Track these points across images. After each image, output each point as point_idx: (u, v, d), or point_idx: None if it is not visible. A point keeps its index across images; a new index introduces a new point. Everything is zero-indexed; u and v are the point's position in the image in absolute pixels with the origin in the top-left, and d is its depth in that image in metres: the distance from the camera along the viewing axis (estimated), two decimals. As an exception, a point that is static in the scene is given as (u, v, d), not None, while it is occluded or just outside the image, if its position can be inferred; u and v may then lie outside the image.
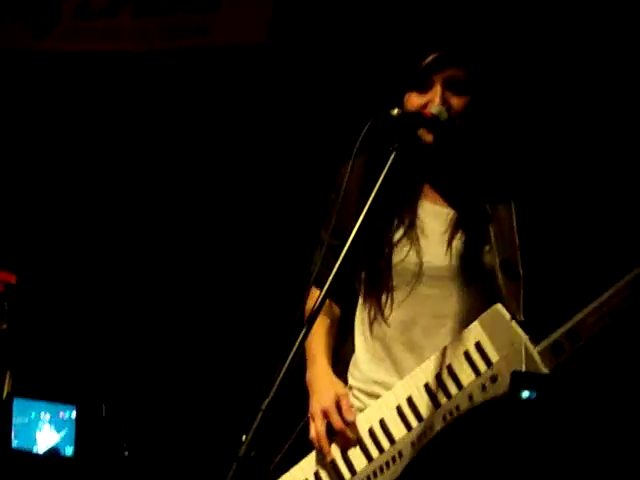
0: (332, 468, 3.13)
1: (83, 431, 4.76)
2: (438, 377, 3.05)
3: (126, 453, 4.64)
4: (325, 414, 3.16)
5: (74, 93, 7.18)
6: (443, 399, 3.03)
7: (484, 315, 3.05)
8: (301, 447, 3.24)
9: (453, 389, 3.02)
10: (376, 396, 3.21)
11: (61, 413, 4.77)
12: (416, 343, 3.22)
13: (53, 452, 4.78)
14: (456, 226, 3.21)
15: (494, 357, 2.98)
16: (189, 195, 6.69)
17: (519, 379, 2.92)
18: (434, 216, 3.25)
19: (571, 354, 2.90)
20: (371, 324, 3.30)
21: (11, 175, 7.18)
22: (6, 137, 7.24)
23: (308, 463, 3.19)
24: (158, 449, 5.24)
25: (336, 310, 3.47)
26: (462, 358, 3.03)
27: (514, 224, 3.15)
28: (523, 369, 2.92)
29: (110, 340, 6.56)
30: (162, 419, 5.76)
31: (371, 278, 3.29)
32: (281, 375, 2.76)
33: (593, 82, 5.48)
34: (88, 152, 7.07)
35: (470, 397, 2.99)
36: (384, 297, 3.25)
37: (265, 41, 6.54)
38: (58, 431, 4.79)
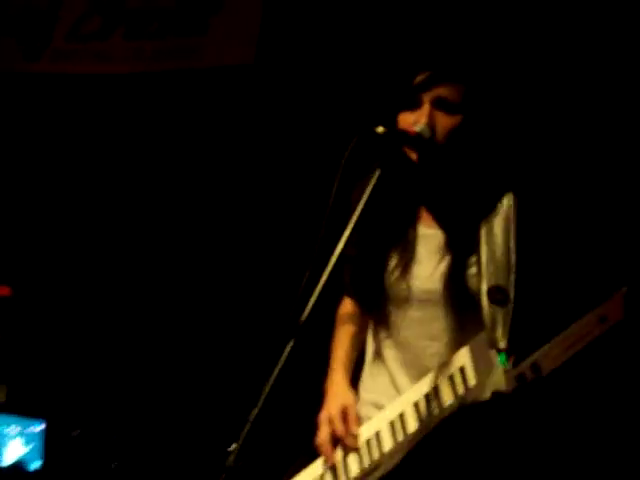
0: (333, 472, 3.18)
1: (52, 446, 4.77)
2: (427, 397, 3.10)
3: (114, 465, 4.65)
4: (330, 422, 3.22)
5: (64, 115, 7.23)
6: (427, 418, 3.06)
7: (473, 340, 3.09)
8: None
9: (436, 410, 3.06)
10: (380, 407, 3.27)
11: (31, 427, 4.78)
12: (410, 362, 3.30)
13: (18, 466, 4.78)
14: (446, 250, 3.24)
15: (472, 382, 3.02)
16: (180, 214, 6.75)
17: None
18: (426, 240, 3.29)
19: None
20: (373, 342, 3.41)
21: (6, 191, 7.20)
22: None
23: (315, 467, 3.24)
24: (146, 460, 5.26)
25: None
26: (447, 381, 3.07)
27: (511, 246, 3.16)
28: (487, 396, 2.96)
29: (94, 354, 6.61)
30: (150, 430, 5.78)
31: (367, 303, 3.37)
32: (268, 386, 2.81)
33: (585, 95, 5.55)
34: (79, 170, 7.11)
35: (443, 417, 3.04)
36: (379, 321, 3.36)
37: (253, 62, 6.62)
38: (26, 445, 4.79)
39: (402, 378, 3.30)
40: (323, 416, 3.26)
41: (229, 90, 6.71)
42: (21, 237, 7.06)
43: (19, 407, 5.08)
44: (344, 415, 3.22)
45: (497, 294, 3.06)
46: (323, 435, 3.22)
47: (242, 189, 6.53)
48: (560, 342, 2.89)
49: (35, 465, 4.77)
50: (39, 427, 4.77)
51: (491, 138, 3.29)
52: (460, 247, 3.20)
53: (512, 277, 3.11)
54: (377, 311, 3.34)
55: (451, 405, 3.03)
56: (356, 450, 3.16)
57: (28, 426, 4.77)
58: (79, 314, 6.80)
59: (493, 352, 3.00)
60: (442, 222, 3.28)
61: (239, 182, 6.54)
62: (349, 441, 3.17)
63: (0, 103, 7.27)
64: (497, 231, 3.18)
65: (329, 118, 5.85)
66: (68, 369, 6.51)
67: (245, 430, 2.78)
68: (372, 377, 3.40)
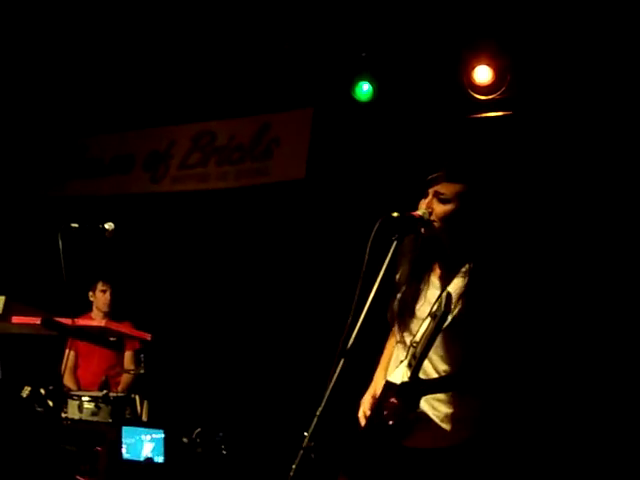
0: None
1: (169, 447, 4.76)
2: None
3: (224, 452, 4.66)
4: (362, 404, 3.25)
5: (179, 220, 7.35)
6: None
7: None
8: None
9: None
10: None
11: (154, 435, 4.79)
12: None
13: (149, 460, 4.77)
14: (437, 292, 3.20)
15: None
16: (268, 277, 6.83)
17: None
18: (432, 285, 3.25)
19: None
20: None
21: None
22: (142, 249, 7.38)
23: None
24: (243, 449, 5.23)
25: None
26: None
27: (462, 291, 3.10)
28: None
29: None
30: (244, 429, 5.78)
31: (397, 321, 3.31)
32: (329, 390, 2.86)
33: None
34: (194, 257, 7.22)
35: None
36: (399, 332, 3.29)
37: (304, 176, 6.73)
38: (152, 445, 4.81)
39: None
40: (361, 401, 3.28)
41: (289, 195, 6.82)
42: (158, 303, 7.12)
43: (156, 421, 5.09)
44: (373, 399, 3.22)
45: (435, 316, 2.98)
46: (360, 412, 3.24)
47: (314, 253, 6.61)
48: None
49: (159, 459, 4.76)
50: (160, 435, 4.77)
51: (470, 221, 3.22)
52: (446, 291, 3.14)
53: (453, 309, 3.03)
54: (403, 324, 3.28)
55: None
56: None
57: (153, 434, 4.78)
58: (193, 354, 6.86)
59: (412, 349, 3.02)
60: (442, 276, 3.24)
61: (317, 247, 6.61)
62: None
63: (135, 214, 7.31)
64: (458, 281, 3.15)
65: (359, 209, 5.86)
66: (186, 391, 6.58)
67: (314, 422, 2.85)
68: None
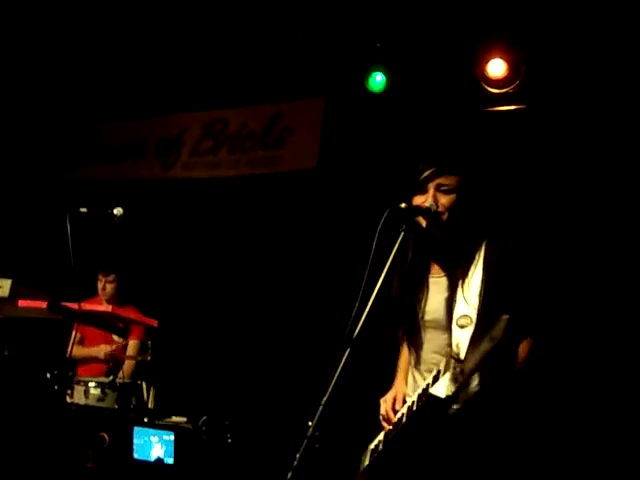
0: (386, 434, 3.29)
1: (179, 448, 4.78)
2: (421, 394, 3.20)
3: (229, 440, 4.69)
4: (384, 402, 3.36)
5: (189, 207, 7.38)
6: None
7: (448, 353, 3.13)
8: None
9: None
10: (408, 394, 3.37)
11: (164, 436, 4.80)
12: (422, 368, 3.34)
13: (159, 461, 4.79)
14: (446, 291, 3.26)
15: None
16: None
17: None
18: (435, 284, 3.31)
19: None
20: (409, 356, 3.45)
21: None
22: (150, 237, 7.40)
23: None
24: (249, 436, 5.27)
25: None
26: (432, 381, 3.14)
27: (480, 281, 3.17)
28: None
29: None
30: (249, 418, 5.83)
31: (407, 330, 3.40)
32: (334, 379, 2.89)
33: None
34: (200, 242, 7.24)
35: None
36: (409, 341, 3.40)
37: (315, 166, 6.74)
38: (162, 447, 4.82)
39: (417, 377, 3.36)
40: (382, 399, 3.38)
41: (299, 184, 6.85)
42: (165, 289, 7.14)
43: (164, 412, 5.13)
44: (393, 400, 3.33)
45: (462, 320, 3.10)
46: (382, 411, 3.35)
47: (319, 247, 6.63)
48: (473, 353, 2.97)
49: (169, 460, 4.78)
50: (171, 436, 4.79)
51: (474, 207, 3.31)
52: (455, 288, 3.22)
53: (478, 305, 3.12)
54: (409, 335, 3.39)
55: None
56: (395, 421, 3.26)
57: (162, 435, 4.80)
58: (199, 341, 6.87)
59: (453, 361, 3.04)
60: (446, 272, 3.30)
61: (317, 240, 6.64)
62: (391, 416, 3.29)
63: (147, 199, 7.37)
64: (472, 275, 3.21)
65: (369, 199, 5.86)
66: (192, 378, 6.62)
67: (319, 411, 2.88)
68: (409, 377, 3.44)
